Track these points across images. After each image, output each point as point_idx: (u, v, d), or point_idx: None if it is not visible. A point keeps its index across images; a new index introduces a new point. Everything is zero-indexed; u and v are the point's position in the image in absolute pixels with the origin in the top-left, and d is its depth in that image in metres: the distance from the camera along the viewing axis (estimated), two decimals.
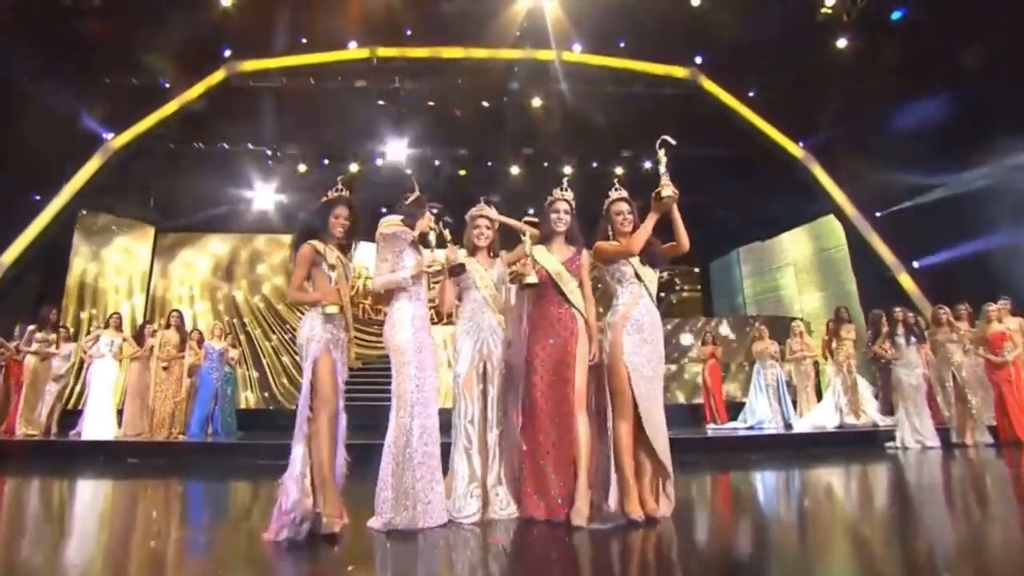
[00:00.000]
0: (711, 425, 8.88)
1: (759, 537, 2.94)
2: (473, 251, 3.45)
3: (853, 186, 10.54)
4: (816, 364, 8.86)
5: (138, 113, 10.04)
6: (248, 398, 10.89)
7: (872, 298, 9.42)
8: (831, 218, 11.15)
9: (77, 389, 9.01)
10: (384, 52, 10.42)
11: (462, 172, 12.20)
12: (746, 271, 13.82)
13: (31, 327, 7.88)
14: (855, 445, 6.92)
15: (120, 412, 7.94)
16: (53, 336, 7.96)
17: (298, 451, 2.79)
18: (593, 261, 3.34)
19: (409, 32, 10.44)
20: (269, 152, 11.73)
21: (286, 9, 9.76)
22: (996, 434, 6.73)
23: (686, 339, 10.95)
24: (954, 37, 8.39)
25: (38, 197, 9.59)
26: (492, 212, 3.51)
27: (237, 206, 11.88)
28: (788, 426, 8.15)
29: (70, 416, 8.17)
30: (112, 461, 6.50)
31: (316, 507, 2.76)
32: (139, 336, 8.17)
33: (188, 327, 8.58)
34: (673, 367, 10.56)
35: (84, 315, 10.29)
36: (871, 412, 7.78)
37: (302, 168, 12.03)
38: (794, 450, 6.67)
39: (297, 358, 3.00)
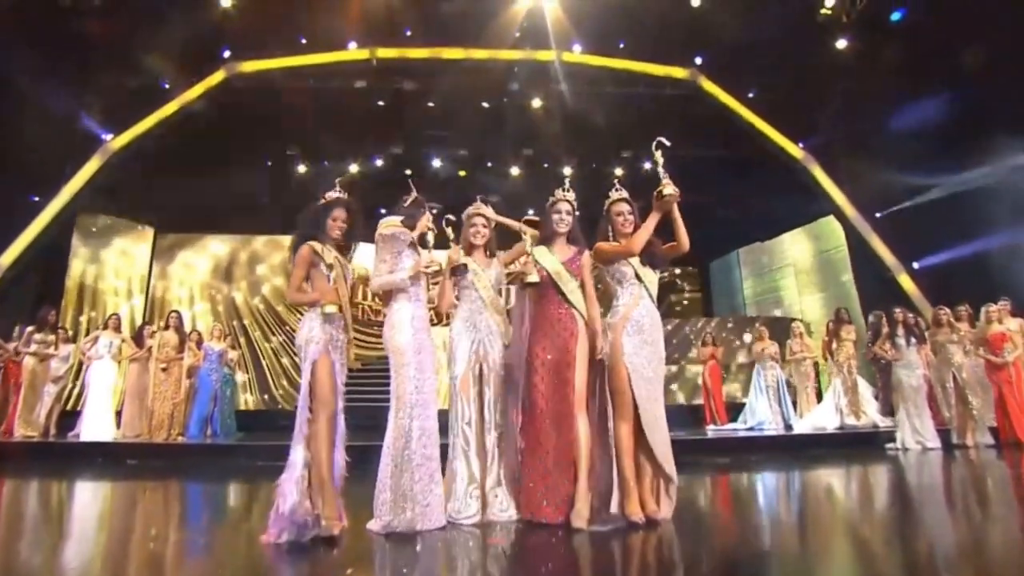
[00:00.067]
0: (711, 426, 8.87)
1: (760, 539, 2.93)
2: (469, 250, 3.43)
3: (853, 187, 10.54)
4: (816, 365, 8.85)
5: (137, 114, 10.03)
6: (248, 400, 10.88)
7: (872, 299, 9.41)
8: (831, 219, 11.15)
9: (76, 390, 8.99)
10: (384, 53, 10.41)
11: (462, 173, 12.20)
12: (746, 272, 13.81)
13: (30, 328, 7.86)
14: (855, 446, 6.92)
15: (119, 413, 7.93)
16: (52, 337, 7.95)
17: (298, 453, 2.79)
18: (593, 262, 3.33)
19: (409, 33, 10.44)
20: (269, 153, 11.73)
21: (286, 10, 9.76)
22: (997, 435, 6.73)
23: (686, 340, 10.94)
24: (954, 37, 8.39)
25: (37, 198, 9.58)
26: (489, 211, 3.50)
27: (236, 207, 11.85)
28: (788, 427, 8.15)
29: (69, 417, 8.16)
30: (111, 462, 6.49)
31: (315, 509, 2.75)
32: (138, 337, 8.15)
33: (187, 328, 8.56)
34: (673, 368, 10.55)
35: (83, 318, 10.27)
36: (871, 413, 7.77)
37: (302, 169, 12.03)
38: (794, 451, 6.66)
39: (297, 360, 2.99)
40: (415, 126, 11.30)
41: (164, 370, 7.63)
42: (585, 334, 3.17)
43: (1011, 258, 7.93)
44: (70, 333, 8.77)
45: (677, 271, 14.65)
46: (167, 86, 10.24)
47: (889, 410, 7.39)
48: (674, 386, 10.54)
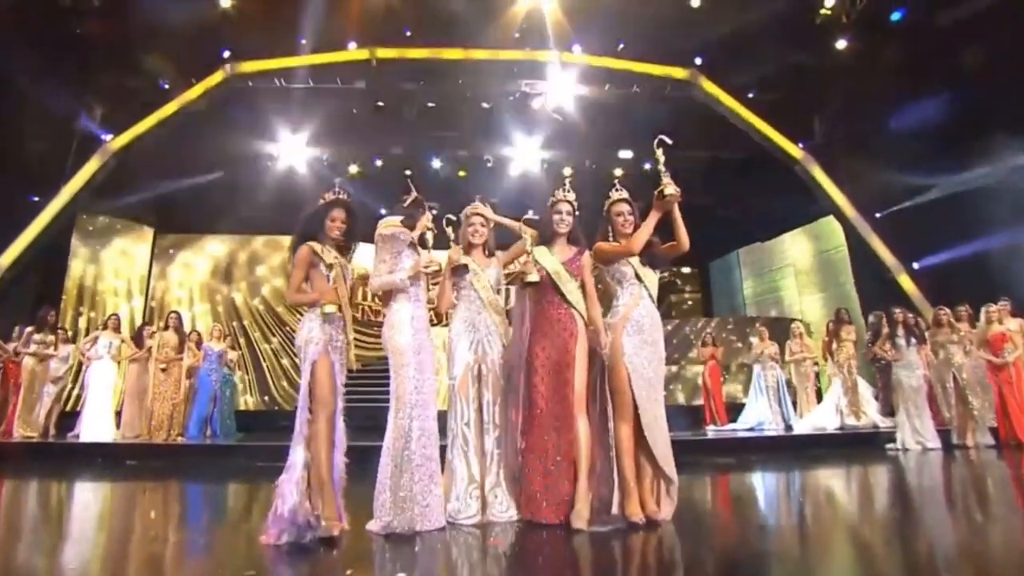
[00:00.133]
0: (711, 426, 8.87)
1: (760, 540, 2.93)
2: (468, 249, 3.43)
3: (853, 187, 10.53)
4: (816, 365, 8.85)
5: (137, 114, 10.02)
6: (247, 401, 10.87)
7: (872, 299, 9.40)
8: (831, 219, 11.14)
9: (75, 391, 8.98)
10: (384, 53, 10.40)
11: (461, 173, 12.19)
12: (746, 272, 13.81)
13: (29, 328, 7.86)
14: (855, 446, 6.92)
15: (118, 414, 7.92)
16: (51, 338, 7.94)
17: (298, 454, 2.78)
18: (593, 262, 3.33)
19: (409, 33, 10.43)
20: (268, 153, 11.72)
21: (285, 10, 9.75)
22: (997, 435, 6.72)
23: (686, 340, 10.93)
24: (953, 37, 8.39)
25: (36, 198, 9.57)
26: (488, 211, 3.50)
27: (236, 207, 11.86)
28: (788, 427, 8.14)
29: (68, 418, 8.15)
30: (110, 463, 6.48)
31: (315, 510, 2.75)
32: (138, 338, 8.15)
33: (187, 329, 8.56)
34: (674, 368, 10.55)
35: (83, 318, 10.26)
36: (871, 413, 7.77)
37: (302, 170, 12.02)
38: (794, 451, 6.66)
39: (297, 360, 2.98)
40: (415, 126, 11.28)
41: (164, 370, 7.62)
42: (585, 334, 3.16)
43: (1011, 258, 7.93)
44: (69, 334, 8.77)
45: (677, 271, 14.64)
46: (167, 86, 10.23)
47: (889, 410, 7.39)
48: (674, 386, 10.53)
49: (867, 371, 8.30)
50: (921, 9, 9.18)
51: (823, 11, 9.88)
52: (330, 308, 2.90)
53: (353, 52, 10.37)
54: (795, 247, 12.49)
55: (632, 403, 3.00)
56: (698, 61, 10.78)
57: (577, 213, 3.37)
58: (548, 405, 3.09)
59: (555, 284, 3.20)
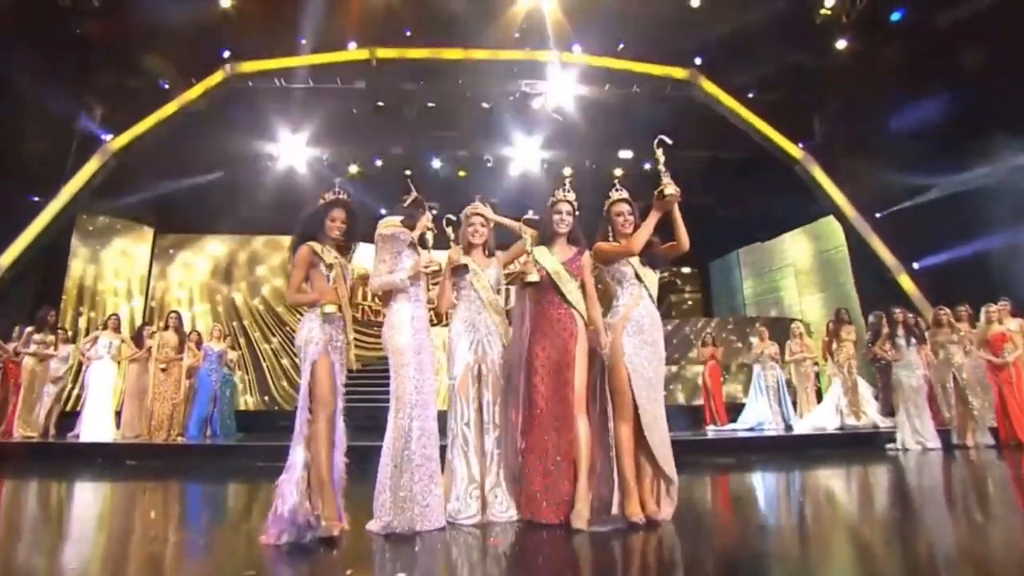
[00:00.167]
0: (711, 426, 8.87)
1: (760, 540, 2.93)
2: (468, 249, 3.43)
3: (853, 187, 10.53)
4: (816, 365, 8.85)
5: (137, 114, 10.01)
6: (248, 401, 10.86)
7: (872, 299, 9.40)
8: (831, 219, 11.14)
9: (75, 391, 8.98)
10: (383, 53, 10.40)
11: (461, 173, 12.19)
12: (746, 272, 13.81)
13: (29, 329, 7.86)
14: (855, 446, 6.91)
15: (118, 414, 7.92)
16: (51, 338, 7.94)
17: (298, 454, 2.78)
18: (593, 262, 3.33)
19: (409, 33, 10.43)
20: (268, 153, 11.71)
21: (285, 10, 9.74)
22: (997, 435, 6.72)
23: (686, 340, 10.93)
24: (953, 37, 8.39)
25: (36, 198, 9.57)
26: (487, 211, 3.50)
27: (236, 207, 11.86)
28: (788, 427, 8.14)
29: (68, 418, 8.15)
30: (110, 463, 6.48)
31: (315, 510, 2.75)
32: (138, 338, 8.15)
33: (187, 329, 8.55)
34: (674, 368, 10.55)
35: (83, 319, 10.26)
36: (871, 413, 7.76)
37: (302, 170, 12.02)
38: (794, 452, 6.65)
39: (297, 361, 2.98)
40: (415, 126, 11.28)
41: (163, 370, 7.62)
42: (585, 335, 3.16)
43: (1011, 258, 7.93)
44: (69, 334, 8.77)
45: (677, 271, 14.64)
46: (167, 86, 10.23)
47: (889, 410, 7.39)
48: (674, 386, 10.53)
49: (867, 371, 8.30)
50: (921, 9, 9.18)
51: (823, 11, 9.88)
52: (330, 308, 2.90)
53: (353, 52, 10.37)
54: (795, 247, 12.49)
55: (632, 403, 3.00)
56: (698, 61, 10.78)
57: (577, 213, 3.37)
58: (548, 405, 3.09)
59: (555, 284, 3.20)
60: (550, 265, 3.23)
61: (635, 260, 3.18)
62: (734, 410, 9.10)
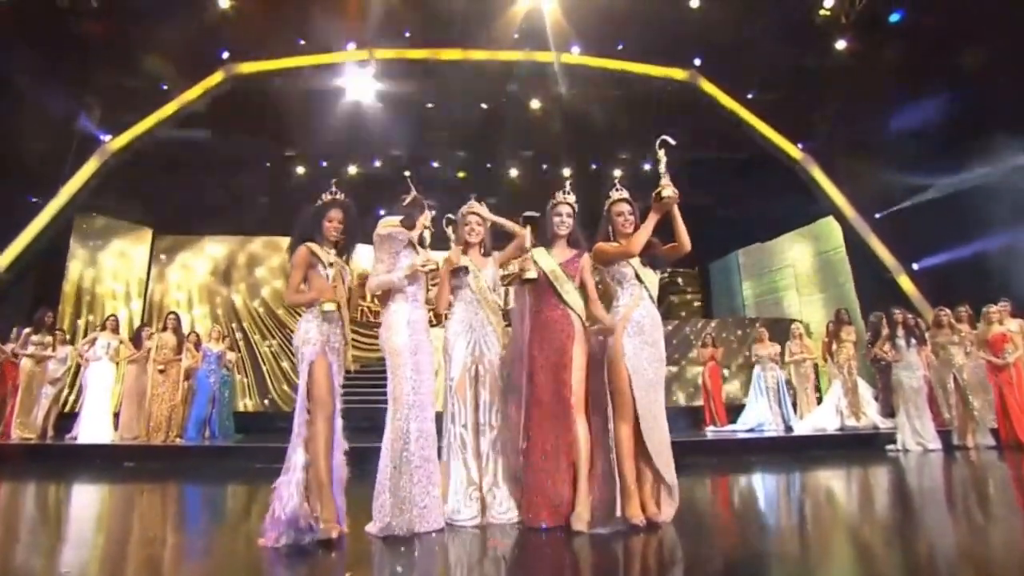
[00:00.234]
0: (711, 427, 8.85)
1: (760, 542, 2.91)
2: (465, 248, 3.42)
3: (852, 187, 10.53)
4: (816, 366, 8.83)
5: (136, 115, 10.00)
6: (247, 403, 10.83)
7: (871, 300, 9.40)
8: (830, 220, 11.14)
9: (73, 392, 8.96)
10: (382, 54, 10.39)
11: (461, 175, 12.19)
12: (745, 273, 13.80)
13: (27, 330, 7.84)
14: (856, 447, 6.90)
15: (116, 415, 7.89)
16: (49, 339, 7.91)
17: (297, 455, 2.76)
18: (593, 263, 3.31)
19: (408, 34, 10.42)
20: (267, 154, 11.71)
21: (284, 11, 9.74)
22: (997, 436, 6.71)
23: (686, 340, 10.92)
24: (953, 38, 8.38)
25: (35, 199, 9.55)
26: (483, 210, 3.49)
27: (235, 208, 11.85)
28: (788, 428, 8.12)
29: (66, 419, 8.12)
30: (108, 465, 6.45)
31: (313, 512, 2.73)
32: (136, 339, 8.13)
33: (185, 330, 8.52)
34: (674, 368, 10.53)
35: (81, 320, 10.22)
36: (871, 414, 7.74)
37: (300, 170, 12.01)
38: (794, 453, 6.64)
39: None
40: (414, 127, 11.28)
41: (162, 372, 7.59)
42: (583, 336, 3.16)
43: (1011, 259, 7.92)
44: (67, 336, 8.74)
45: (677, 272, 14.63)
46: (165, 87, 10.22)
47: (889, 411, 7.37)
48: (674, 387, 10.51)
49: (867, 372, 8.29)
50: (920, 9, 9.18)
51: (822, 12, 9.88)
52: (329, 306, 2.89)
53: (352, 53, 10.37)
54: (795, 248, 12.48)
55: (632, 404, 2.98)
56: (697, 62, 10.79)
57: (576, 215, 3.37)
58: (546, 406, 3.08)
59: (552, 284, 3.20)
60: (547, 265, 3.22)
61: (635, 261, 3.16)
62: (734, 411, 9.08)
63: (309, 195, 3.18)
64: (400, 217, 3.19)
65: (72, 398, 8.99)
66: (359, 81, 10.60)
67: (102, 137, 9.97)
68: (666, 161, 3.13)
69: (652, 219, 3.10)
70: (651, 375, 3.05)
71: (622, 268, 3.18)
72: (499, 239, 3.54)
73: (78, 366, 8.36)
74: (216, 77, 10.15)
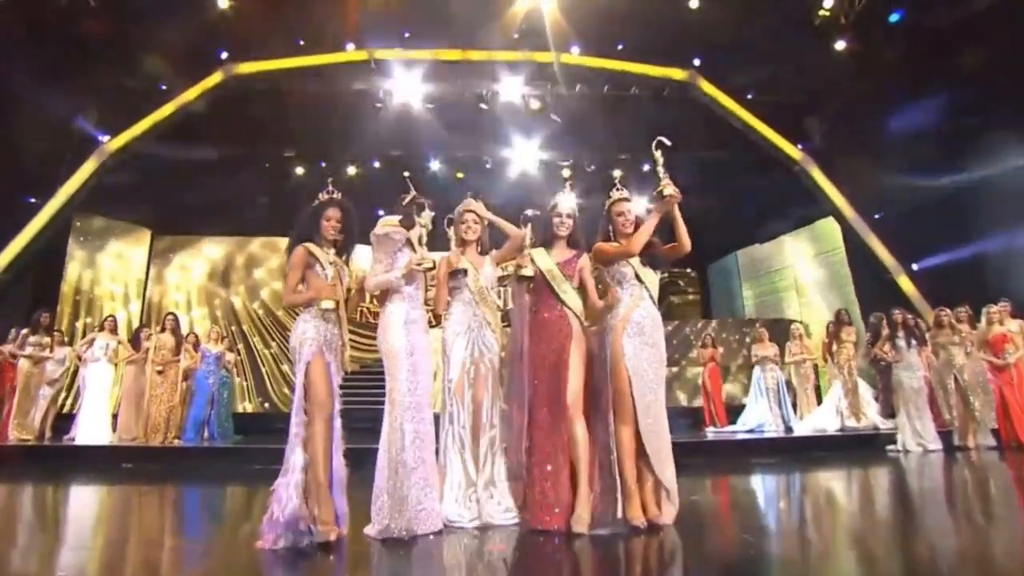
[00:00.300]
0: (711, 428, 8.83)
1: (761, 543, 2.90)
2: (462, 246, 3.42)
3: (852, 188, 10.53)
4: (816, 367, 8.82)
5: (134, 116, 9.98)
6: (246, 407, 10.79)
7: (871, 300, 9.39)
8: (830, 220, 11.13)
9: (71, 393, 8.93)
10: (382, 54, 10.38)
11: (460, 175, 12.17)
12: (745, 274, 13.79)
13: (24, 331, 7.81)
14: (856, 448, 6.88)
15: (115, 416, 7.86)
16: (47, 340, 7.89)
17: (296, 456, 2.74)
18: (593, 263, 3.30)
19: (407, 34, 10.41)
20: (266, 154, 11.68)
21: (283, 11, 9.73)
22: (998, 437, 6.69)
23: (686, 340, 10.91)
24: (952, 38, 8.38)
25: (33, 200, 9.52)
26: (480, 207, 3.48)
27: (233, 209, 11.82)
28: (788, 429, 8.11)
29: (64, 420, 8.10)
30: (106, 466, 6.43)
31: (312, 514, 2.71)
32: (135, 340, 8.10)
33: (184, 331, 8.50)
34: (674, 369, 10.52)
35: (80, 322, 10.19)
36: (872, 415, 7.73)
37: (299, 171, 11.99)
38: (795, 453, 6.62)
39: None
40: (413, 127, 11.26)
41: (160, 373, 7.57)
42: (581, 336, 3.14)
43: (1011, 259, 7.92)
44: (65, 338, 8.71)
45: (676, 272, 14.61)
46: (164, 87, 10.20)
47: (890, 412, 7.35)
48: (674, 388, 10.50)
49: (867, 373, 8.28)
50: (920, 9, 9.18)
51: (822, 12, 9.88)
52: (328, 304, 2.87)
53: (351, 53, 10.35)
54: (794, 249, 12.47)
55: (633, 405, 2.96)
56: (697, 62, 10.78)
57: (576, 216, 3.35)
58: (545, 407, 3.07)
59: (549, 284, 3.19)
60: (544, 265, 3.21)
61: (635, 261, 3.15)
62: (734, 412, 9.07)
63: (308, 195, 3.16)
64: (399, 217, 3.17)
65: (70, 399, 8.97)
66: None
67: (100, 137, 9.95)
68: (663, 161, 3.12)
69: (653, 218, 3.09)
70: (651, 376, 3.03)
71: (622, 268, 3.16)
72: (498, 239, 3.53)
73: (76, 367, 8.33)
74: (215, 77, 10.13)
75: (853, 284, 10.67)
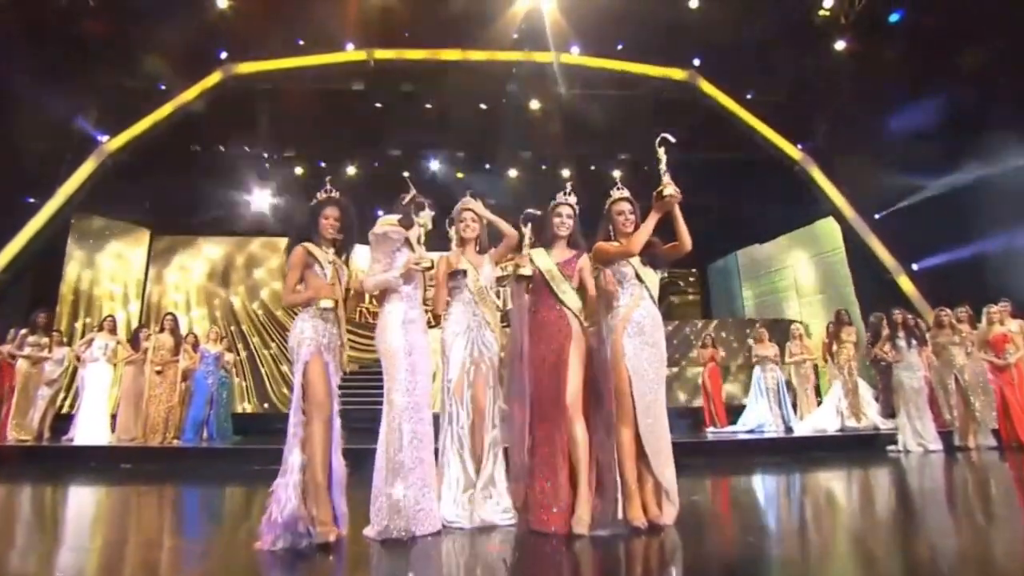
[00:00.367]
0: (711, 428, 8.82)
1: (762, 544, 2.89)
2: (461, 245, 3.42)
3: (851, 188, 10.53)
4: (816, 367, 8.81)
5: (133, 116, 9.97)
6: (246, 408, 10.77)
7: (871, 300, 9.39)
8: (830, 220, 11.13)
9: (70, 394, 8.91)
10: (381, 54, 10.38)
11: (459, 175, 12.17)
12: (745, 274, 13.79)
13: (23, 331, 7.80)
14: (856, 448, 6.87)
15: (114, 417, 7.85)
16: (45, 340, 7.88)
17: (295, 457, 2.74)
18: (593, 263, 3.29)
19: (407, 34, 10.41)
20: (265, 155, 11.68)
21: (283, 11, 9.72)
22: (999, 437, 6.68)
23: (686, 340, 10.91)
24: (953, 38, 8.38)
25: (32, 200, 9.51)
26: (478, 206, 3.48)
27: (233, 209, 11.83)
28: (788, 429, 8.10)
29: (62, 421, 8.08)
30: (105, 466, 6.41)
31: (311, 514, 2.70)
32: (134, 340, 8.09)
33: (183, 331, 8.48)
34: (674, 369, 10.52)
35: (79, 323, 10.18)
36: (872, 415, 7.72)
37: (299, 171, 11.99)
38: (795, 454, 6.61)
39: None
40: (413, 128, 11.26)
41: (159, 373, 7.56)
42: (581, 336, 3.13)
43: (1010, 259, 7.91)
44: (64, 338, 8.70)
45: (676, 272, 14.61)
46: (163, 87, 10.20)
47: (890, 412, 7.35)
48: (674, 388, 10.49)
49: (867, 373, 8.27)
50: (920, 9, 9.18)
51: (821, 12, 9.89)
52: (326, 303, 2.86)
53: (351, 53, 10.35)
54: (794, 249, 12.48)
55: (633, 405, 2.95)
56: (697, 62, 10.78)
57: (577, 216, 3.35)
58: (544, 408, 3.05)
59: (548, 284, 3.18)
60: (544, 265, 3.21)
61: (635, 260, 3.14)
62: (734, 412, 9.06)
63: (307, 195, 3.16)
64: (398, 216, 3.16)
65: (69, 400, 8.95)
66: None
67: (100, 137, 9.94)
68: (666, 160, 3.10)
69: (653, 218, 3.07)
70: (652, 376, 3.02)
71: (622, 268, 3.15)
72: (497, 238, 3.52)
73: (75, 368, 8.31)
74: (214, 77, 10.12)
75: (853, 284, 10.67)
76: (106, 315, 8.66)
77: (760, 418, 8.34)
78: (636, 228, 3.13)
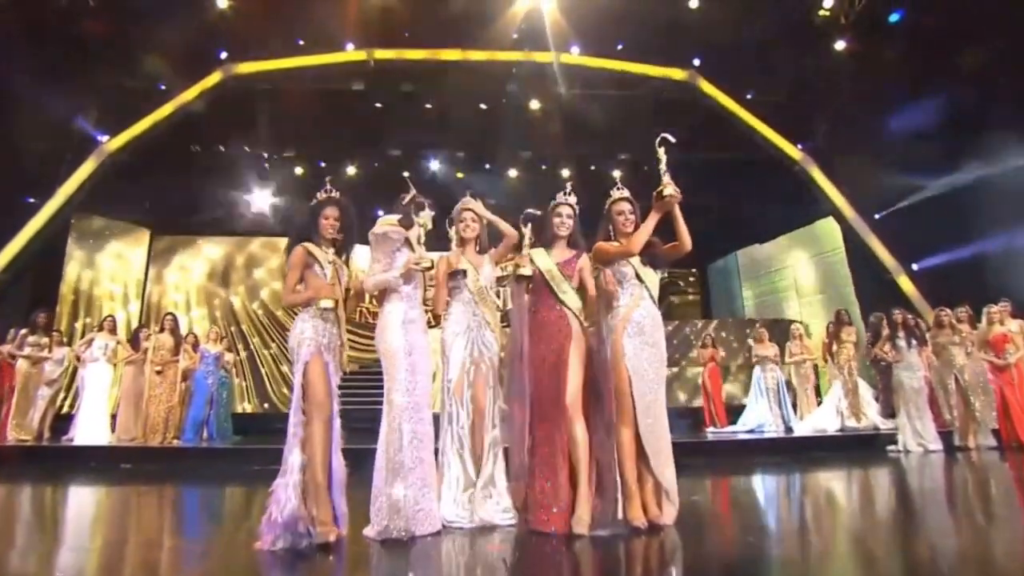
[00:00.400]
0: (711, 429, 8.82)
1: (762, 544, 2.89)
2: (461, 244, 3.42)
3: (852, 188, 10.53)
4: (816, 367, 8.81)
5: (133, 116, 9.97)
6: (246, 408, 10.77)
7: (871, 300, 9.39)
8: (830, 220, 11.13)
9: (70, 394, 8.91)
10: (381, 54, 10.38)
11: (459, 175, 12.17)
12: (745, 274, 13.79)
13: (23, 331, 7.80)
14: (856, 448, 6.87)
15: (113, 417, 7.85)
16: (45, 340, 7.87)
17: (295, 457, 2.73)
18: (593, 263, 3.29)
19: (407, 34, 10.41)
20: (265, 155, 11.67)
21: (283, 11, 9.72)
22: (999, 437, 6.68)
23: (686, 340, 10.91)
24: (953, 38, 8.38)
25: (32, 200, 9.51)
26: (478, 206, 3.48)
27: (233, 209, 11.82)
28: (788, 429, 8.10)
29: (62, 421, 8.08)
30: (105, 466, 6.41)
31: (311, 514, 2.70)
32: (134, 340, 8.09)
33: (183, 331, 8.48)
34: (674, 369, 10.52)
35: (79, 323, 10.18)
36: (872, 415, 7.72)
37: (299, 171, 11.99)
38: (795, 454, 6.61)
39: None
40: (413, 128, 11.25)
41: (159, 373, 7.55)
42: (581, 336, 3.13)
43: (1010, 259, 7.91)
44: (64, 338, 8.70)
45: (676, 272, 14.61)
46: (163, 87, 10.19)
47: (890, 412, 7.34)
48: (674, 388, 10.49)
49: (867, 373, 8.27)
50: (920, 9, 9.18)
51: (821, 12, 9.89)
52: (326, 303, 2.86)
53: (351, 53, 10.35)
54: (794, 249, 12.47)
55: (633, 405, 2.95)
56: (697, 62, 10.78)
57: (577, 216, 3.35)
58: (544, 408, 3.05)
59: (548, 284, 3.18)
60: (544, 265, 3.21)
61: (635, 260, 3.13)
62: (734, 412, 9.05)
63: (307, 195, 3.16)
64: (398, 216, 3.16)
65: (69, 400, 8.95)
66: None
67: (100, 137, 9.94)
68: (666, 160, 3.10)
69: (653, 218, 3.07)
70: (652, 376, 3.02)
71: (622, 268, 3.15)
72: (497, 239, 3.52)
73: (75, 368, 8.31)
74: (214, 77, 10.12)
75: (853, 284, 10.67)
76: (106, 315, 8.66)
77: (760, 418, 8.34)
78: (636, 228, 3.13)
